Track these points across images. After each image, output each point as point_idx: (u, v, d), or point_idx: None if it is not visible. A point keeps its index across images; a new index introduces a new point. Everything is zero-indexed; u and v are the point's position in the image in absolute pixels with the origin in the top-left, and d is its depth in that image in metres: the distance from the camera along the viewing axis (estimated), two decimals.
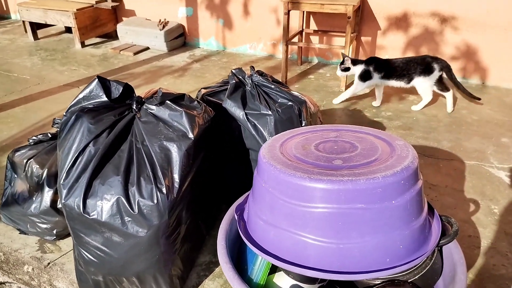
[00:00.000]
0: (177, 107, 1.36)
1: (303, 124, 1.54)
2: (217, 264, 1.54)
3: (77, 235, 1.27)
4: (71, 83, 3.27)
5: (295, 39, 3.40)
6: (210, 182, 1.61)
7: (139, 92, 1.50)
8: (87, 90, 1.36)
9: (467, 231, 1.69)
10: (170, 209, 1.25)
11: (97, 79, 1.37)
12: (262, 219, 1.10)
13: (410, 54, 3.30)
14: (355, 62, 2.70)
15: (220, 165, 1.70)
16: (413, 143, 2.34)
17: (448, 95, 2.69)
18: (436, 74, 2.60)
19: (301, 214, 1.01)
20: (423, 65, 2.61)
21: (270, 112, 1.49)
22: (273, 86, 1.58)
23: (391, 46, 3.33)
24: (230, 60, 3.83)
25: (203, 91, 1.72)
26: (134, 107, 1.38)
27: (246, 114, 1.51)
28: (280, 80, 3.22)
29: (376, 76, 2.67)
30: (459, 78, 3.19)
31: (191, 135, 1.33)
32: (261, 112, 1.50)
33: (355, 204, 0.97)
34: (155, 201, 1.23)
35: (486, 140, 2.36)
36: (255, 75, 1.62)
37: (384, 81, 2.69)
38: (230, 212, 1.32)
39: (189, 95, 1.45)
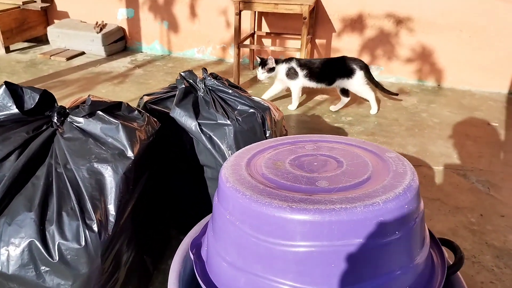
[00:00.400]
0: (111, 119, 1.07)
1: (267, 135, 1.31)
2: None
3: None
4: None
5: (247, 42, 3.18)
6: (157, 207, 1.33)
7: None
8: None
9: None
10: (104, 251, 0.96)
11: (4, 86, 1.06)
12: (226, 261, 0.85)
13: (366, 56, 3.19)
14: (277, 61, 2.58)
15: (169, 185, 1.42)
16: None
17: (371, 97, 2.62)
18: (359, 73, 2.51)
19: (281, 256, 0.76)
20: (343, 67, 2.53)
21: (228, 122, 1.24)
22: (230, 91, 1.33)
23: (346, 48, 3.20)
24: (176, 65, 3.54)
25: (146, 98, 1.44)
26: (55, 120, 1.08)
27: (199, 124, 1.25)
28: None
29: (300, 75, 2.55)
30: (414, 80, 3.12)
31: (130, 154, 1.05)
32: (218, 121, 1.25)
33: (351, 239, 0.74)
34: (83, 243, 0.93)
35: (450, 143, 2.26)
36: (209, 78, 1.36)
37: (306, 81, 2.57)
38: (183, 248, 1.05)
39: (128, 104, 1.16)
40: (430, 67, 3.06)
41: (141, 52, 3.86)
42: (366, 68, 2.55)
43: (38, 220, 0.91)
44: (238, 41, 2.87)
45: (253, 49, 3.33)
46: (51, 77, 3.15)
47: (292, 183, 0.83)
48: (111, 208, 0.99)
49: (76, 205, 0.95)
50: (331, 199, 0.76)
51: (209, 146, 1.25)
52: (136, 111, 1.16)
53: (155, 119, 1.21)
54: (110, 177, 1.00)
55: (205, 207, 1.37)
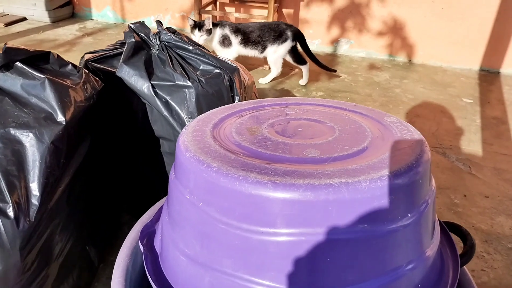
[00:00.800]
0: (35, 73, 0.83)
1: (236, 100, 1.10)
2: None
3: None
4: None
5: (209, 9, 2.92)
6: (103, 187, 1.10)
7: None
8: None
9: None
10: (25, 243, 0.73)
11: None
12: (186, 254, 0.64)
13: (335, 29, 3.01)
14: (213, 24, 2.31)
15: (118, 161, 1.19)
16: None
17: (304, 68, 2.45)
18: (289, 43, 2.35)
19: (258, 247, 0.57)
20: (277, 32, 2.33)
21: (189, 83, 1.02)
22: (191, 48, 1.11)
23: (315, 20, 3.02)
24: None
25: (88, 56, 1.19)
26: None
27: (153, 86, 1.02)
28: None
29: (235, 41, 2.33)
30: (385, 55, 2.99)
31: (61, 118, 0.81)
32: (176, 83, 1.02)
33: (352, 225, 0.56)
34: None
35: (427, 121, 2.14)
36: (165, 32, 1.13)
37: (241, 48, 2.36)
38: (132, 237, 0.84)
39: (58, 55, 0.91)
40: (402, 42, 2.93)
41: (91, 19, 3.51)
42: (302, 38, 2.38)
43: None
44: (199, 6, 2.61)
45: (216, 16, 3.07)
46: None
47: (273, 152, 0.64)
48: (34, 188, 0.76)
49: None
50: (325, 171, 0.57)
51: (165, 113, 1.02)
52: (70, 65, 0.91)
53: (96, 78, 0.97)
54: (32, 146, 0.77)
55: (161, 187, 1.16)
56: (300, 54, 2.43)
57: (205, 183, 0.59)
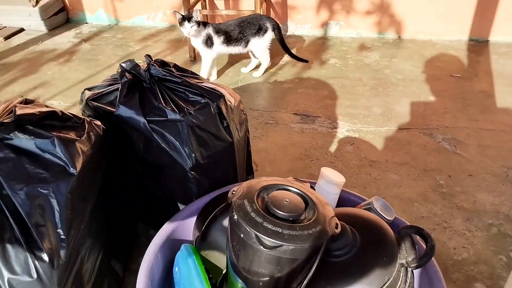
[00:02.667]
0: (45, 133, 0.95)
1: (225, 125, 1.22)
2: None
3: None
4: None
5: (198, 6, 2.98)
6: (117, 210, 1.24)
7: (18, 87, 1.05)
8: None
9: (418, 211, 1.53)
10: (61, 279, 0.88)
11: None
12: None
13: (324, 12, 3.06)
14: (199, 22, 2.35)
15: (126, 184, 1.33)
16: (342, 113, 2.14)
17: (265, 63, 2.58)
18: (270, 33, 2.44)
19: None
20: (256, 25, 2.42)
21: (180, 117, 1.13)
22: (179, 80, 1.22)
23: (303, 5, 3.06)
24: (126, 35, 3.31)
25: (87, 93, 1.30)
26: None
27: (148, 122, 1.15)
28: (189, 55, 2.83)
29: (217, 42, 2.40)
30: (375, 34, 3.04)
31: (72, 170, 0.94)
32: (169, 118, 1.14)
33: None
34: (35, 275, 0.85)
35: (415, 100, 2.23)
36: (153, 67, 1.24)
37: (224, 47, 2.43)
38: (150, 253, 1.00)
39: (62, 111, 1.03)
40: (390, 19, 2.97)
41: (86, 23, 3.59)
42: (278, 29, 2.48)
43: None
44: (188, 6, 2.67)
45: (206, 15, 3.13)
46: None
47: None
48: (60, 232, 0.90)
49: (19, 235, 0.86)
50: None
51: (162, 145, 1.15)
52: (74, 117, 1.04)
53: (98, 123, 1.10)
54: (53, 198, 0.91)
55: (167, 202, 1.30)
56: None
57: None
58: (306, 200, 0.80)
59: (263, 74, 2.57)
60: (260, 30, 2.42)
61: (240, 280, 0.82)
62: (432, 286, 0.96)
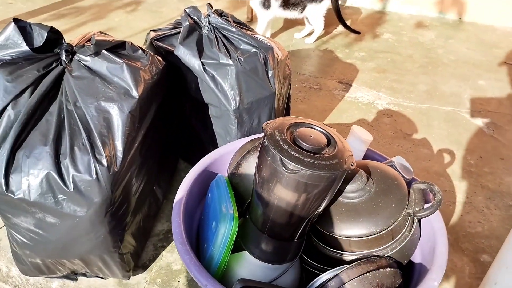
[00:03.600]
0: (116, 59, 1.12)
1: (269, 75, 1.34)
2: None
3: (4, 216, 1.07)
4: (5, 20, 2.86)
5: None
6: (164, 142, 1.42)
7: (88, 30, 1.23)
8: (2, 38, 1.08)
9: (442, 185, 1.60)
10: (114, 183, 1.06)
11: (13, 23, 1.09)
12: None
13: None
14: None
15: (176, 119, 1.50)
16: (386, 87, 2.19)
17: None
18: (327, 1, 2.47)
19: None
20: None
21: (230, 62, 1.27)
22: (234, 29, 1.34)
23: None
24: None
25: (152, 34, 1.46)
26: (64, 58, 1.12)
27: (202, 64, 1.29)
28: (246, 16, 2.94)
29: (275, 4, 2.45)
30: (435, 13, 2.99)
31: (135, 93, 1.11)
32: (220, 61, 1.28)
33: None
34: (94, 176, 1.03)
35: (463, 82, 2.23)
36: (213, 15, 1.37)
37: (280, 11, 2.48)
38: (189, 178, 1.16)
39: (132, 43, 1.19)
40: None
41: None
42: None
43: (53, 153, 1.00)
44: None
45: None
46: (64, 3, 3.14)
47: None
48: (118, 145, 1.07)
49: (86, 141, 1.04)
50: None
51: (212, 85, 1.29)
52: (140, 50, 1.19)
53: (160, 58, 1.25)
54: (116, 115, 1.07)
55: (208, 141, 1.46)
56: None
57: None
58: (329, 139, 0.92)
59: (315, 41, 2.64)
60: None
61: (261, 206, 0.96)
62: (435, 240, 1.05)
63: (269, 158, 0.86)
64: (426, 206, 1.01)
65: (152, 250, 1.33)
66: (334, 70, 2.35)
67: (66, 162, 1.01)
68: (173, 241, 1.36)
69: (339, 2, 2.57)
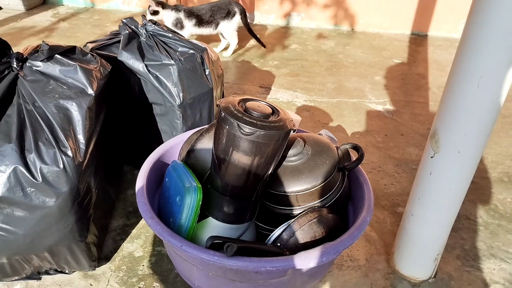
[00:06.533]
0: (69, 61, 1.21)
1: (206, 73, 1.51)
2: (132, 226, 1.47)
3: None
4: None
5: None
6: (113, 143, 1.50)
7: None
8: None
9: None
10: (79, 173, 1.14)
11: None
12: None
13: (286, 4, 3.41)
14: (164, 5, 2.69)
15: (121, 124, 1.59)
16: (301, 87, 2.48)
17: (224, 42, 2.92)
18: (237, 17, 2.79)
19: None
20: (226, 10, 2.75)
21: (172, 62, 1.42)
22: (170, 35, 1.50)
23: None
24: (102, 17, 3.52)
25: (90, 45, 1.56)
26: (15, 65, 1.19)
27: (146, 66, 1.42)
28: None
29: (189, 24, 2.72)
30: (331, 26, 3.42)
31: (90, 91, 1.21)
32: (163, 62, 1.42)
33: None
34: (61, 166, 1.10)
35: (362, 79, 2.61)
36: (149, 24, 1.51)
37: (196, 29, 2.76)
38: (146, 167, 1.27)
39: (81, 48, 1.30)
40: (345, 13, 3.37)
41: (62, 5, 3.75)
42: (244, 13, 2.81)
43: (18, 149, 1.06)
44: None
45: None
46: None
47: None
48: (80, 138, 1.16)
49: (50, 136, 1.11)
50: None
51: (156, 84, 1.43)
52: (89, 54, 1.30)
53: (106, 62, 1.36)
54: (76, 111, 1.16)
55: (153, 141, 1.57)
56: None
57: None
58: (273, 109, 1.11)
59: (231, 54, 2.87)
60: (229, 14, 2.73)
61: (221, 173, 1.11)
62: (361, 187, 1.28)
63: (226, 127, 1.03)
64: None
65: (112, 243, 1.40)
66: (254, 77, 2.59)
67: (32, 156, 1.08)
68: (131, 234, 1.45)
69: (248, 20, 2.85)
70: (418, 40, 3.23)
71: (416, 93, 2.46)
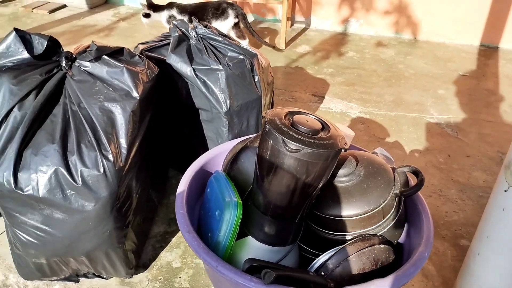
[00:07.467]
0: (116, 63, 1.18)
1: (255, 80, 1.44)
2: (173, 234, 1.43)
3: (10, 214, 1.08)
4: None
5: None
6: (158, 146, 1.47)
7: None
8: (3, 46, 1.14)
9: None
10: (119, 178, 1.10)
11: (14, 32, 1.14)
12: None
13: (345, 9, 3.27)
14: (155, 7, 2.64)
15: (167, 127, 1.56)
16: (356, 98, 2.34)
17: (244, 43, 2.72)
18: (231, 20, 2.64)
19: None
20: (219, 10, 2.63)
21: (220, 67, 1.36)
22: (220, 39, 1.44)
23: (327, 1, 3.28)
24: None
25: (141, 46, 1.54)
26: (64, 64, 1.18)
27: (194, 70, 1.37)
28: None
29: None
30: (392, 33, 3.25)
31: (135, 94, 1.17)
32: (211, 67, 1.37)
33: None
34: (101, 170, 1.07)
35: (424, 92, 2.43)
36: (200, 26, 1.46)
37: None
38: (188, 175, 1.21)
39: (129, 49, 1.27)
40: (407, 20, 3.18)
41: (123, 5, 3.85)
42: (243, 16, 2.67)
43: (61, 150, 1.04)
44: None
45: (236, 1, 3.36)
46: (36, 30, 3.12)
47: None
48: (123, 142, 1.12)
49: (92, 139, 1.08)
50: None
51: (203, 90, 1.37)
52: (137, 56, 1.26)
53: (154, 64, 1.32)
54: (119, 114, 1.13)
55: (199, 145, 1.52)
56: (242, 30, 2.72)
57: None
58: (323, 125, 1.01)
59: None
60: (222, 15, 2.63)
61: (264, 190, 1.03)
62: (419, 216, 1.15)
63: (271, 141, 0.94)
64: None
65: (151, 251, 1.36)
66: (307, 84, 2.49)
67: (73, 158, 1.05)
68: (171, 242, 1.40)
69: (249, 23, 2.74)
70: (488, 52, 2.98)
71: (485, 110, 2.24)
